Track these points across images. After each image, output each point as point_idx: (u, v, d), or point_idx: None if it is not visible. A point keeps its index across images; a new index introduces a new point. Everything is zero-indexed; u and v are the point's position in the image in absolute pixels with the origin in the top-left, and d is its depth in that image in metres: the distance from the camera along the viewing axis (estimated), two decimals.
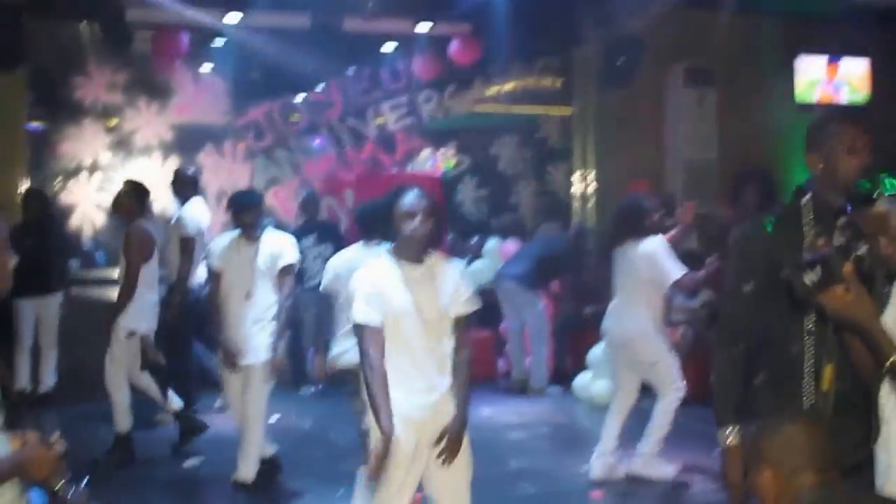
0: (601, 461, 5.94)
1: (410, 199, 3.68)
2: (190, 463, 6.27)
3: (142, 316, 6.27)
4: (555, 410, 7.93)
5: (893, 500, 2.16)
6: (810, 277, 2.14)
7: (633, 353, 5.96)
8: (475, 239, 10.23)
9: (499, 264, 9.11)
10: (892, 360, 2.14)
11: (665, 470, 5.94)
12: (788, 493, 2.13)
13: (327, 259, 8.03)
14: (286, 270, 5.71)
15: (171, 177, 7.73)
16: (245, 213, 5.65)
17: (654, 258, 5.73)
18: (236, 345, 5.53)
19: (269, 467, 5.80)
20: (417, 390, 3.65)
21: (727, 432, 2.93)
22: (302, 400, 8.04)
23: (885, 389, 2.34)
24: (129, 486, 5.86)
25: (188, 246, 7.08)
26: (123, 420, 6.21)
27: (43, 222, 7.93)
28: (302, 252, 7.62)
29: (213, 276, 5.76)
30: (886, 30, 10.17)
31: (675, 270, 5.71)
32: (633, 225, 5.88)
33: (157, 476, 6.12)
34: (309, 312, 7.82)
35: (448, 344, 3.72)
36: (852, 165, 2.76)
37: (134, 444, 6.28)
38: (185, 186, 7.45)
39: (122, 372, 6.18)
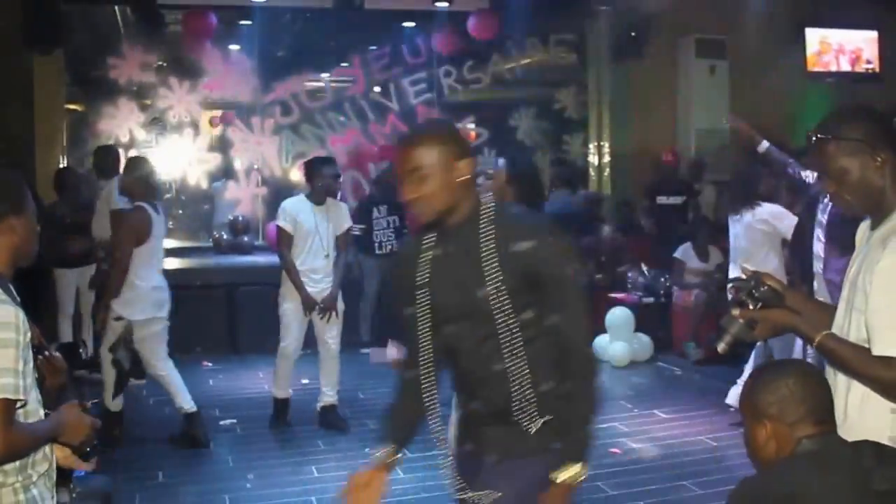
0: (735, 391, 6.04)
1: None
2: (227, 422, 6.37)
3: (133, 303, 5.71)
4: None
5: (889, 447, 2.15)
6: (724, 343, 2.44)
7: None
8: None
9: None
10: (817, 341, 2.30)
11: None
12: (788, 446, 2.11)
13: (397, 229, 8.31)
14: (348, 231, 6.38)
15: (95, 154, 7.74)
16: (323, 176, 6.12)
17: (774, 219, 5.93)
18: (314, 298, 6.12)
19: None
20: None
21: None
22: None
23: None
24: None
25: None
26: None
27: (81, 198, 7.98)
28: (373, 222, 8.01)
29: (287, 237, 6.10)
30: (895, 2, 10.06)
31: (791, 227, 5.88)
32: (751, 191, 6.04)
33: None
34: (374, 279, 8.00)
35: None
36: None
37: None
38: (108, 163, 7.52)
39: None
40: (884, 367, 2.18)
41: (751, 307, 2.39)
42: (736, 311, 2.41)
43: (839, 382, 2.32)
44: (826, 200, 5.21)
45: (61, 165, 9.12)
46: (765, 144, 5.48)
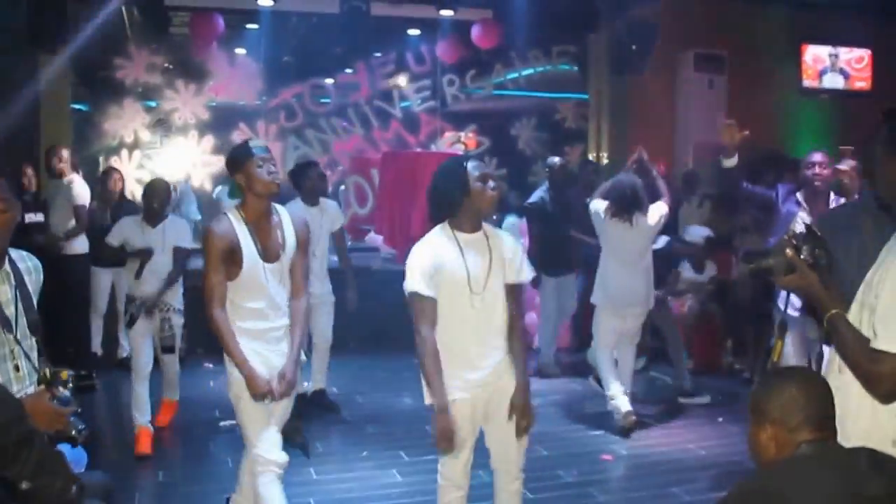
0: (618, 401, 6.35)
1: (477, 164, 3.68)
2: (227, 423, 6.40)
3: None
4: (568, 379, 8.00)
5: (882, 454, 2.21)
6: (757, 265, 2.66)
7: (633, 309, 6.37)
8: (494, 216, 10.26)
9: (517, 240, 9.14)
10: (831, 313, 2.44)
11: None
12: (788, 448, 2.18)
13: None
14: (342, 230, 6.75)
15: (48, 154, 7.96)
16: (310, 178, 6.45)
17: (659, 225, 6.30)
18: None
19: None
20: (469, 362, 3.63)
21: None
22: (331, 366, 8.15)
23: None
24: (176, 441, 6.02)
25: (83, 213, 7.66)
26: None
27: (120, 201, 8.07)
28: None
29: None
30: (888, 21, 10.15)
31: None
32: (637, 200, 6.20)
33: (198, 434, 6.27)
34: None
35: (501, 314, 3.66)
36: None
37: None
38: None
39: None
40: (871, 360, 2.31)
41: (802, 256, 2.52)
42: (790, 251, 2.55)
43: (854, 384, 2.43)
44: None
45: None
46: (734, 160, 5.47)
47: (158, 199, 5.91)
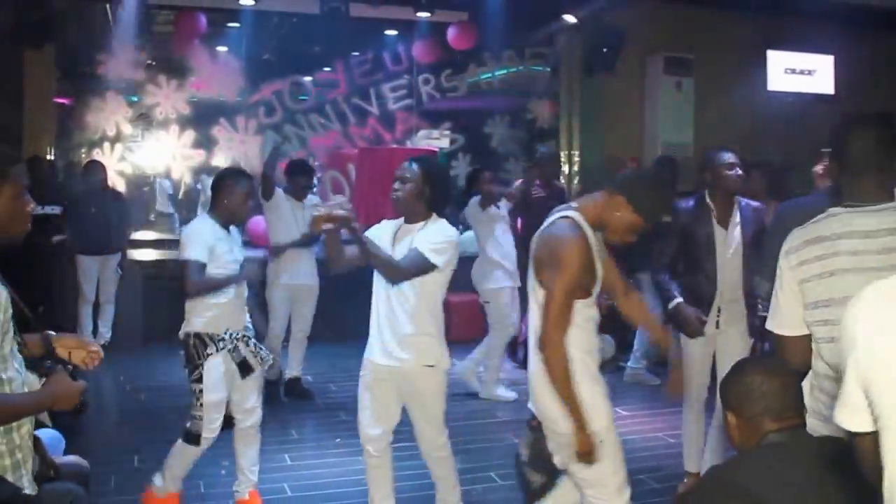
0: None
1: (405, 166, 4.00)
2: None
3: None
4: None
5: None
6: None
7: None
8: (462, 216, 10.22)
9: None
10: None
11: (507, 394, 6.81)
12: (753, 437, 2.14)
13: None
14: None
15: None
16: (301, 176, 6.65)
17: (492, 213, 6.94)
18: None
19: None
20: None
21: None
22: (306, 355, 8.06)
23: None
24: (152, 427, 5.91)
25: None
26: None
27: (104, 191, 7.97)
28: None
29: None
30: (850, 28, 10.21)
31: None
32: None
33: (174, 420, 6.12)
34: None
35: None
36: None
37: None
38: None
39: None
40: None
41: None
42: None
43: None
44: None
45: (49, 158, 9.07)
46: None
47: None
